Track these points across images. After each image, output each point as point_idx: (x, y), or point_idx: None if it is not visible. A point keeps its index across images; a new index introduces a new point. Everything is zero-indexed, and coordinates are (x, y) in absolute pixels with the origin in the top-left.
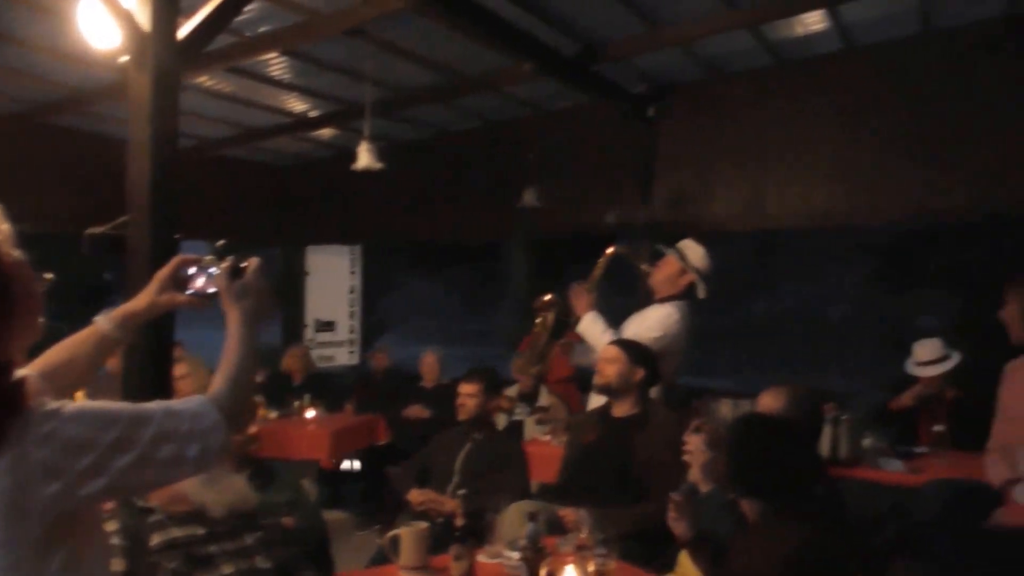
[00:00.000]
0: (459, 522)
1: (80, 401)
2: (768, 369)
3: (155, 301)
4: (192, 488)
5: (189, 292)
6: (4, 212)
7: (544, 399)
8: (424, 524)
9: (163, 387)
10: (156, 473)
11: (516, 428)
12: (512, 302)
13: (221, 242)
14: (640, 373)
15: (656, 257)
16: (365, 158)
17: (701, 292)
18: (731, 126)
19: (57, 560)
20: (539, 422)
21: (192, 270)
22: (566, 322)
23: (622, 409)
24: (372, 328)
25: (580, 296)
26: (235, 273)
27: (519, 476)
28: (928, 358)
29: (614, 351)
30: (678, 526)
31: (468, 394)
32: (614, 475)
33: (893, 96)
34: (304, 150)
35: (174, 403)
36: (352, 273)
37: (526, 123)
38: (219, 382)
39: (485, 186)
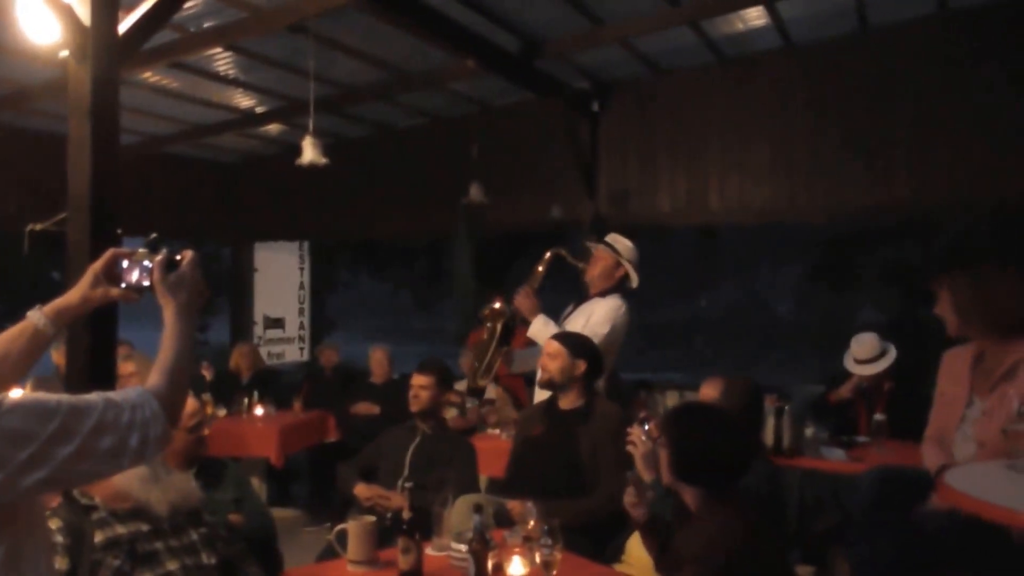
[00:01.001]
0: (407, 515)
1: (20, 394)
2: (713, 363)
3: (88, 295)
4: (135, 486)
5: (123, 286)
6: None
7: (491, 393)
8: (371, 518)
9: (106, 385)
10: (97, 463)
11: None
12: (459, 299)
13: (153, 235)
14: (582, 366)
15: (589, 254)
16: (310, 153)
17: (634, 282)
18: (673, 122)
19: (0, 553)
20: (487, 414)
21: (126, 263)
22: (512, 326)
23: (567, 402)
24: (321, 326)
25: (526, 300)
26: (169, 266)
27: (467, 469)
28: (866, 356)
29: (555, 346)
30: (636, 510)
31: (421, 386)
32: (560, 467)
33: (831, 93)
34: (250, 147)
35: (114, 394)
36: (301, 269)
37: (471, 119)
38: (156, 374)
39: (431, 183)
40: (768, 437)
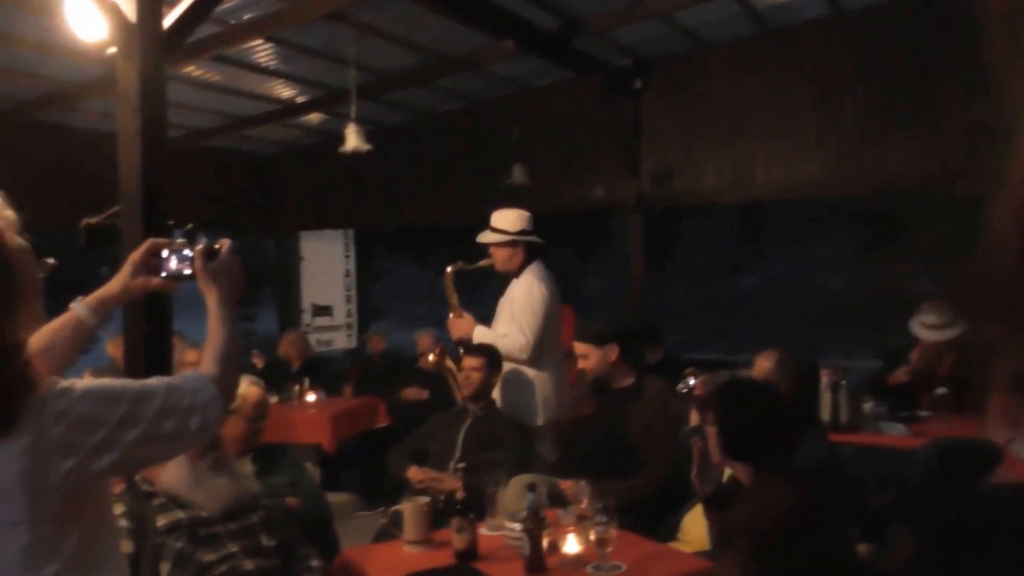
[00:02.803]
0: (460, 496)
1: (88, 380)
2: (762, 341)
3: (129, 285)
4: (180, 489)
5: (163, 275)
6: (7, 200)
7: None
8: (426, 499)
9: (164, 374)
10: (160, 446)
11: None
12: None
13: (190, 225)
14: (613, 351)
15: (482, 252)
16: (353, 140)
17: (539, 240)
18: (716, 97)
19: (73, 537)
20: None
21: (164, 253)
22: (457, 356)
23: (616, 381)
24: (367, 313)
25: (458, 324)
26: (210, 254)
27: (519, 451)
28: (936, 322)
29: (582, 347)
30: (701, 485)
31: (473, 368)
32: (611, 447)
33: (880, 62)
34: (291, 138)
35: (175, 379)
36: (346, 257)
37: (510, 102)
38: (209, 359)
39: (471, 167)
40: (824, 412)
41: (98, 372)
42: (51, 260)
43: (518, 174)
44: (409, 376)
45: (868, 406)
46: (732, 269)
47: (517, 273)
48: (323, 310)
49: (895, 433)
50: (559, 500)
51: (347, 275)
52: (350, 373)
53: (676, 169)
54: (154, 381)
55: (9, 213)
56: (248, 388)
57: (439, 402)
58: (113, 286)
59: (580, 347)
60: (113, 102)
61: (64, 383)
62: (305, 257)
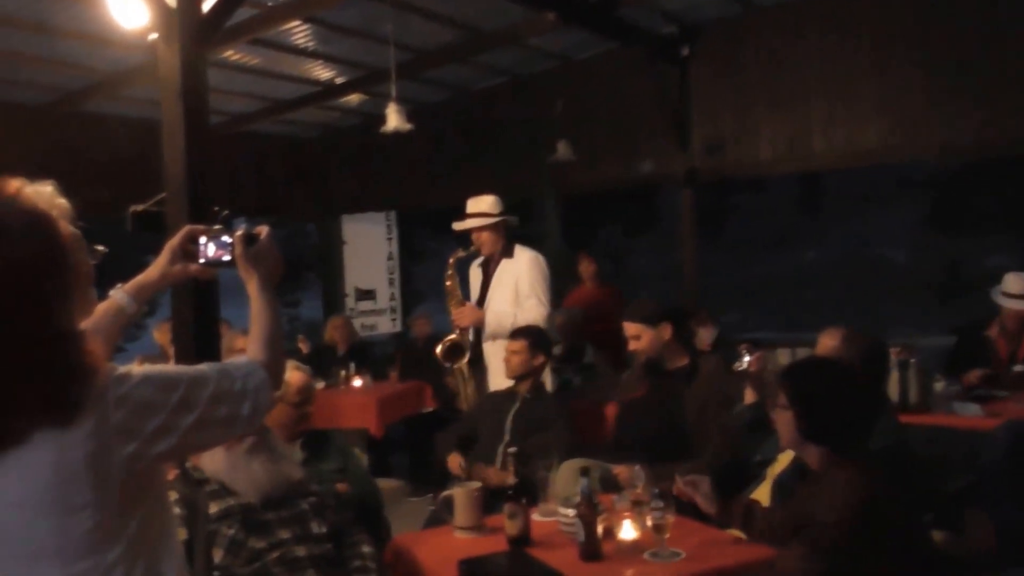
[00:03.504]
0: (511, 480)
1: (144, 366)
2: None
3: (167, 271)
4: (222, 474)
5: (201, 262)
6: (58, 189)
7: (590, 357)
8: (477, 484)
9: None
10: (214, 432)
11: (565, 387)
12: (548, 263)
13: (225, 212)
14: (667, 330)
15: (466, 241)
16: (394, 120)
17: (515, 221)
18: (769, 62)
19: (135, 522)
20: (585, 379)
21: (203, 240)
22: (467, 347)
23: (669, 362)
24: (411, 296)
25: (465, 314)
26: (249, 240)
27: (569, 434)
28: (1018, 291)
29: (634, 327)
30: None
31: (513, 351)
32: (664, 429)
33: (944, 22)
34: (331, 120)
35: (226, 364)
36: (389, 239)
37: (552, 76)
38: (256, 344)
39: (513, 144)
40: (893, 392)
41: (148, 359)
42: (101, 247)
43: (563, 150)
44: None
45: (939, 385)
46: (788, 243)
47: (504, 254)
48: (367, 294)
49: (969, 414)
50: (613, 485)
51: (390, 258)
52: (395, 357)
53: (728, 139)
54: (205, 367)
55: (62, 202)
56: (291, 373)
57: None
58: (152, 273)
59: (632, 327)
60: (156, 89)
61: (122, 369)
62: (348, 241)
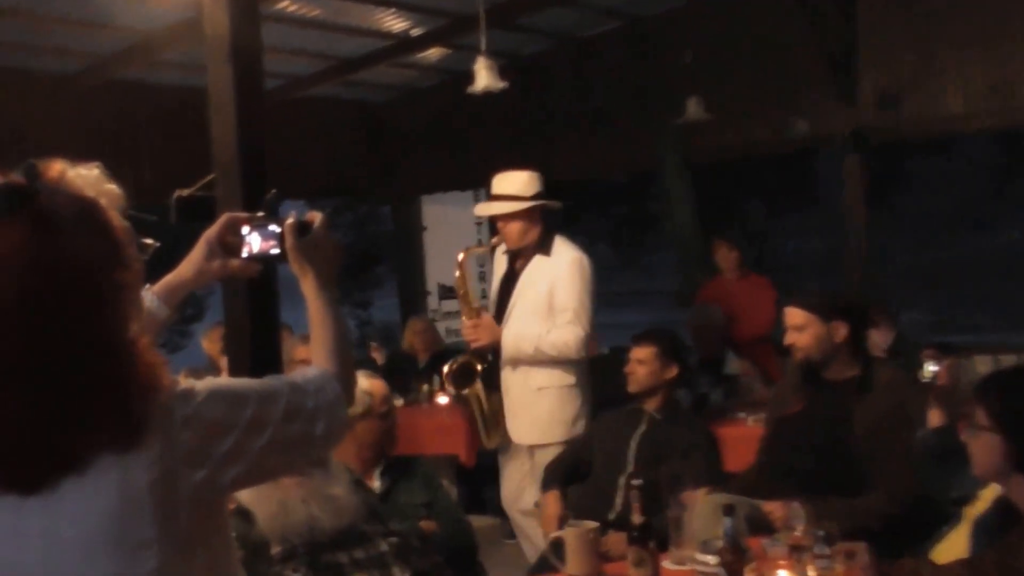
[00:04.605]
0: (637, 519)
1: (207, 380)
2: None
3: (204, 268)
4: (260, 514)
5: (244, 256)
6: (106, 173)
7: (735, 366)
8: (592, 524)
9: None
10: (287, 455)
11: (701, 403)
12: (677, 249)
13: (273, 192)
14: (842, 329)
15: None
16: (484, 78)
17: (557, 205)
18: None
19: (202, 562)
20: (728, 394)
21: (245, 230)
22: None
23: (834, 371)
24: None
25: (482, 331)
26: (302, 229)
27: (709, 462)
28: None
29: (800, 315)
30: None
31: (639, 360)
32: (828, 456)
33: None
34: (407, 80)
35: (296, 377)
36: (479, 224)
37: (679, 17)
38: (321, 354)
39: (629, 102)
40: None
41: (194, 373)
42: (151, 241)
43: (693, 109)
44: None
45: None
46: (984, 221)
47: (538, 249)
48: (452, 291)
49: None
50: (764, 526)
51: (481, 246)
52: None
53: (906, 89)
54: (275, 380)
55: (111, 188)
56: (369, 382)
57: (603, 402)
58: (185, 270)
59: (796, 315)
60: (201, 51)
61: (184, 384)
62: (429, 226)
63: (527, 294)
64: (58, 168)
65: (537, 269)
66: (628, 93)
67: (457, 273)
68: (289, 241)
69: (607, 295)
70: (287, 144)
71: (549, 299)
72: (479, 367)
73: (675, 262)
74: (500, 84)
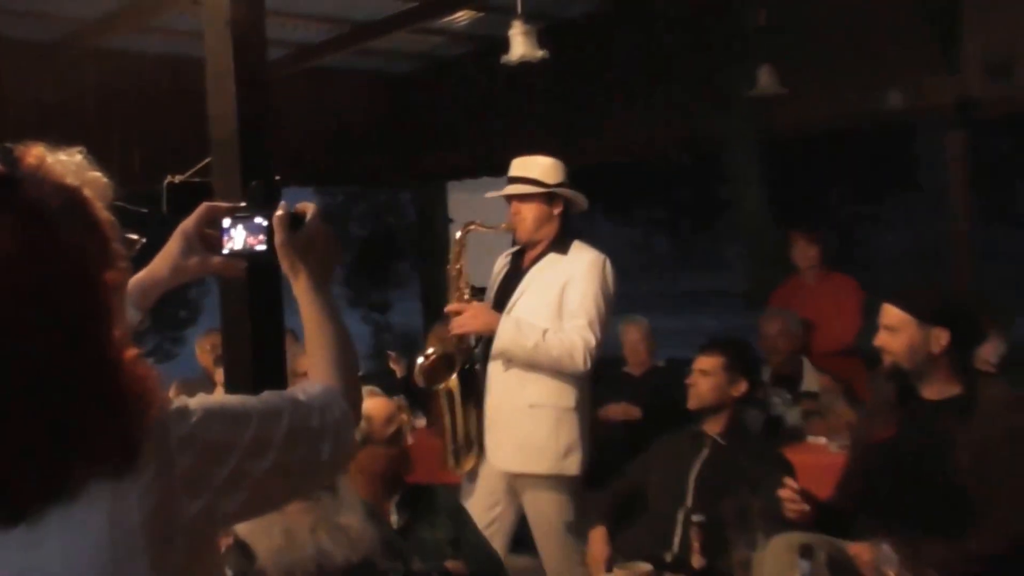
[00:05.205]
0: (697, 562)
1: (202, 397)
2: None
3: (180, 265)
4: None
5: (225, 252)
6: (89, 159)
7: (812, 382)
8: (646, 567)
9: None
10: (290, 480)
11: (774, 426)
12: (746, 241)
13: (256, 182)
14: (942, 337)
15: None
16: (521, 45)
17: (582, 202)
18: None
19: None
20: (806, 415)
21: (227, 222)
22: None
23: (932, 390)
24: None
25: (473, 314)
26: (294, 222)
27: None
28: None
29: (896, 315)
30: None
31: (702, 370)
32: (926, 488)
33: None
34: (431, 48)
35: (298, 393)
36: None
37: None
38: (321, 366)
39: (689, 72)
40: None
41: (187, 386)
42: (136, 236)
43: (765, 79)
44: (613, 385)
45: None
46: None
47: (553, 246)
48: (483, 292)
49: None
50: (847, 570)
51: (486, 226)
52: None
53: (1020, 55)
54: (275, 396)
55: (97, 176)
56: (370, 401)
57: (659, 424)
58: (159, 267)
59: (892, 314)
60: (196, 16)
61: (177, 401)
62: (456, 218)
63: (534, 291)
64: (37, 153)
65: (550, 266)
66: (690, 61)
67: (456, 250)
68: (278, 236)
69: (666, 296)
70: (294, 122)
71: (559, 301)
72: (459, 363)
73: (744, 257)
74: (539, 53)
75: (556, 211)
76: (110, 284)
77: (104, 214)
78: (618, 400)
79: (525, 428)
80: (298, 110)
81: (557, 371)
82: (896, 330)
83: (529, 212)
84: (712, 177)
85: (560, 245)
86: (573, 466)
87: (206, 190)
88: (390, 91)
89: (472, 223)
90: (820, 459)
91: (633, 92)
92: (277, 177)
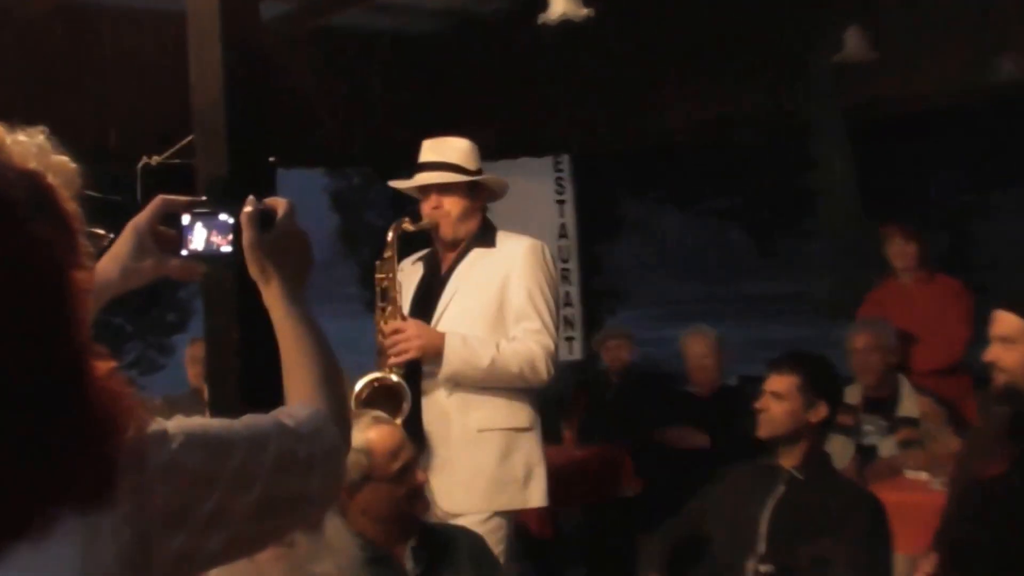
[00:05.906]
0: None
1: (179, 421)
2: None
3: (132, 267)
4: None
5: (184, 253)
6: (52, 141)
7: (911, 405)
8: None
9: (271, 406)
10: (277, 516)
11: (865, 457)
12: (831, 237)
13: (222, 175)
14: None
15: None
16: (563, 2)
17: (500, 190)
18: None
19: None
20: (903, 445)
21: (186, 219)
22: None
23: None
24: (597, 298)
25: (413, 336)
26: (264, 220)
27: (872, 542)
28: None
29: (1012, 323)
30: None
31: (774, 393)
32: None
33: None
34: (459, 6)
35: (283, 417)
36: (560, 203)
37: None
38: (304, 388)
39: (761, 35)
40: None
41: (174, 403)
42: (102, 231)
43: (853, 43)
44: (676, 407)
45: None
46: None
47: (479, 240)
48: None
49: None
50: None
51: (562, 234)
52: (573, 403)
53: None
54: (257, 419)
55: (62, 160)
56: (367, 432)
57: (726, 454)
58: (109, 269)
59: (1007, 323)
60: None
61: (155, 425)
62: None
63: (464, 295)
64: None
65: (478, 263)
66: (762, 23)
67: (387, 254)
68: (247, 236)
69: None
70: (295, 92)
71: (498, 301)
72: (405, 394)
73: (828, 256)
74: (583, 11)
75: (480, 201)
76: (80, 286)
77: (71, 205)
78: (680, 424)
79: (476, 459)
80: (302, 78)
81: (513, 388)
82: (1012, 342)
83: (453, 206)
84: (791, 159)
85: (484, 239)
86: (537, 495)
87: (185, 172)
88: (411, 56)
89: (404, 220)
90: (920, 498)
91: (698, 61)
92: (272, 158)
